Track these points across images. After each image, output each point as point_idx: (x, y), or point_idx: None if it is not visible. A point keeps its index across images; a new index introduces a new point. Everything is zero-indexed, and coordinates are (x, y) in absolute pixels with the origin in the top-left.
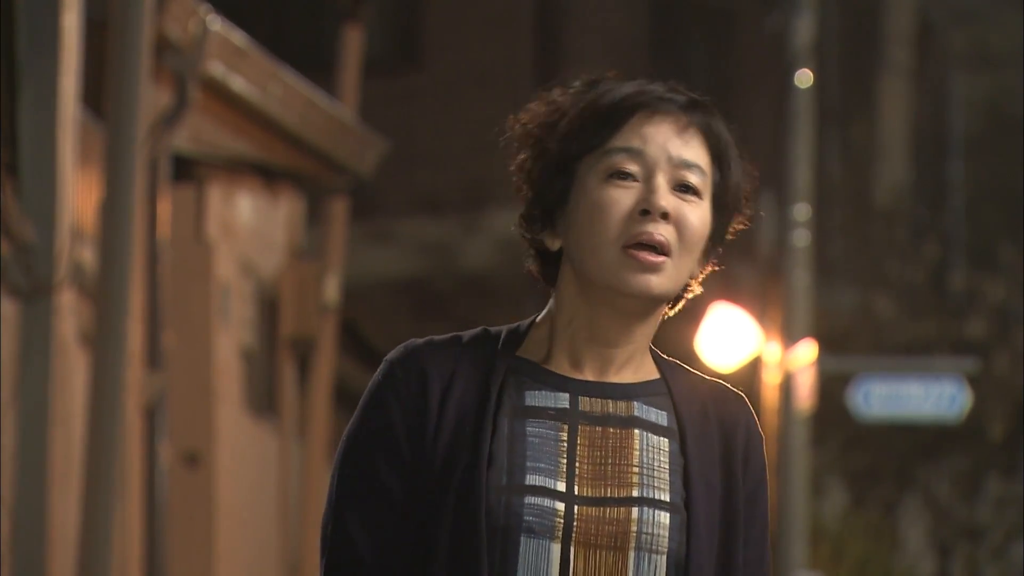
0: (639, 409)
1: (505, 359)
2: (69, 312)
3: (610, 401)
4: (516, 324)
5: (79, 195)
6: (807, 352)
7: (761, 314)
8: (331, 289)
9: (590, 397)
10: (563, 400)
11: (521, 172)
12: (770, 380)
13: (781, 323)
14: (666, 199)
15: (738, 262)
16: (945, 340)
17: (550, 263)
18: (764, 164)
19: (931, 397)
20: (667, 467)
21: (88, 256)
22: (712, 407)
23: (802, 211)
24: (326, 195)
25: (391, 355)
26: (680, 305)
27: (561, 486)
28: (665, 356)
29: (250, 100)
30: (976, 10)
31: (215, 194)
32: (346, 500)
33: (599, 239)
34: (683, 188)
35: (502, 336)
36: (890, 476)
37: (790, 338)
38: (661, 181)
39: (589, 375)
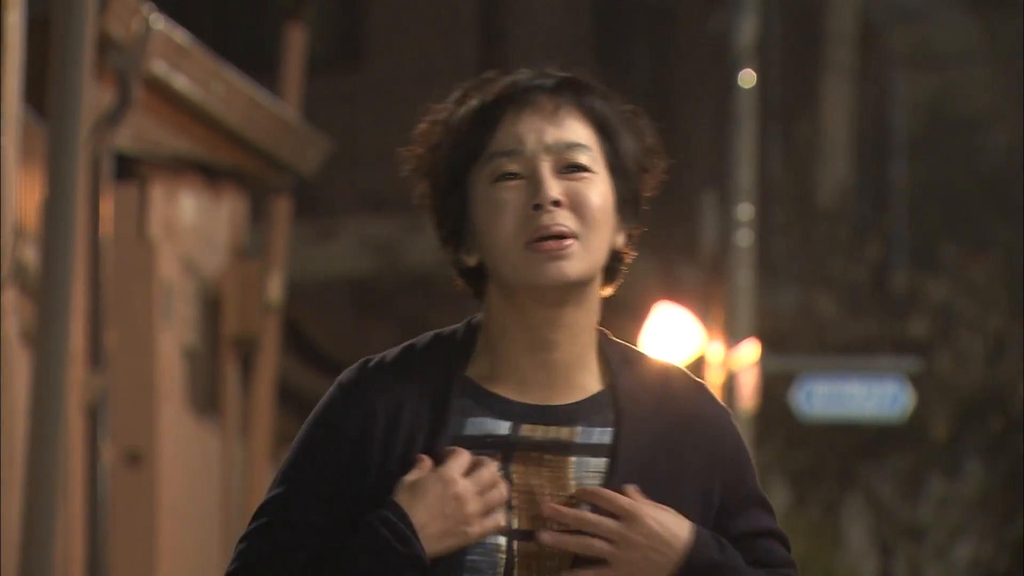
0: (582, 434)
1: (454, 380)
2: (11, 311)
3: (552, 427)
4: (463, 327)
5: (21, 194)
6: (750, 352)
7: (704, 314)
8: (274, 288)
9: (533, 423)
10: (503, 427)
11: (423, 199)
12: (713, 380)
13: (724, 323)
14: (553, 188)
15: (681, 262)
16: (887, 340)
17: (476, 278)
18: (707, 164)
19: (873, 397)
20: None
21: (30, 255)
22: (671, 403)
23: (745, 211)
24: (269, 194)
25: (343, 378)
26: (617, 280)
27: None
28: (618, 345)
29: (193, 99)
30: (918, 10)
31: (158, 193)
32: (272, 523)
33: (502, 243)
34: (571, 169)
35: (452, 346)
36: (832, 475)
37: (733, 337)
38: (545, 172)
39: (535, 395)
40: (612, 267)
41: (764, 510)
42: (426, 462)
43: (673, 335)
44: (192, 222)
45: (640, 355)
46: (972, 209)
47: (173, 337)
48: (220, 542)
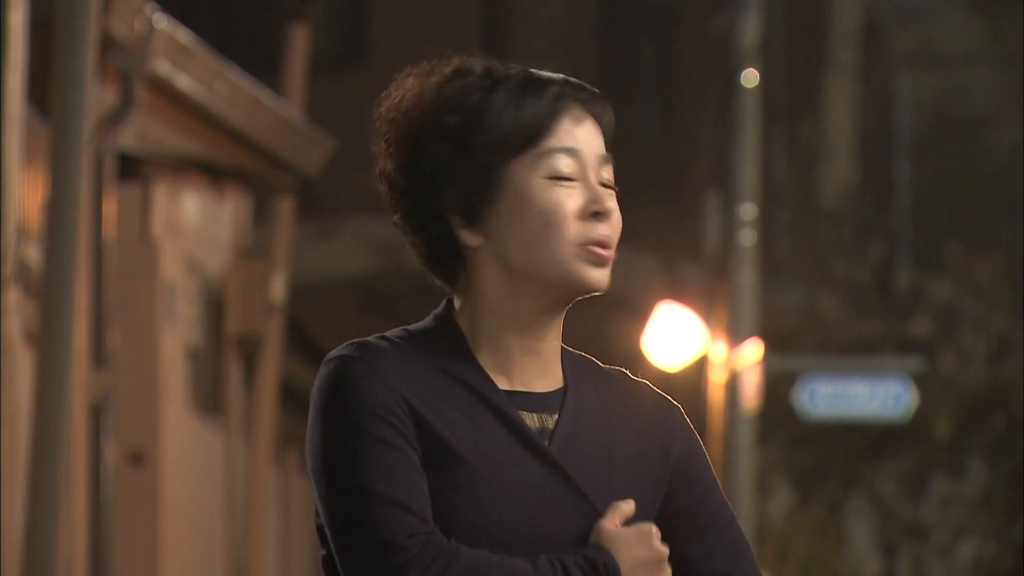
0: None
1: (469, 358)
2: (15, 311)
3: (536, 415)
4: (434, 320)
5: (24, 193)
6: (753, 351)
7: (707, 313)
8: (277, 288)
9: (521, 410)
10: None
11: (427, 167)
12: (716, 379)
13: (727, 322)
14: (609, 200)
15: (684, 261)
16: (890, 339)
17: (452, 260)
18: (710, 164)
19: (876, 396)
20: None
21: (33, 255)
22: (614, 397)
23: (748, 210)
24: (272, 193)
25: (348, 351)
26: None
27: None
28: (572, 353)
29: (196, 98)
30: (921, 9)
31: (161, 193)
32: (374, 478)
33: (554, 238)
34: (605, 185)
35: (444, 331)
36: (835, 475)
37: (736, 337)
38: (595, 181)
39: (517, 381)
40: None
41: (721, 496)
42: (623, 508)
43: (676, 335)
44: (195, 222)
45: (585, 356)
46: (976, 209)
47: (176, 337)
48: (223, 541)
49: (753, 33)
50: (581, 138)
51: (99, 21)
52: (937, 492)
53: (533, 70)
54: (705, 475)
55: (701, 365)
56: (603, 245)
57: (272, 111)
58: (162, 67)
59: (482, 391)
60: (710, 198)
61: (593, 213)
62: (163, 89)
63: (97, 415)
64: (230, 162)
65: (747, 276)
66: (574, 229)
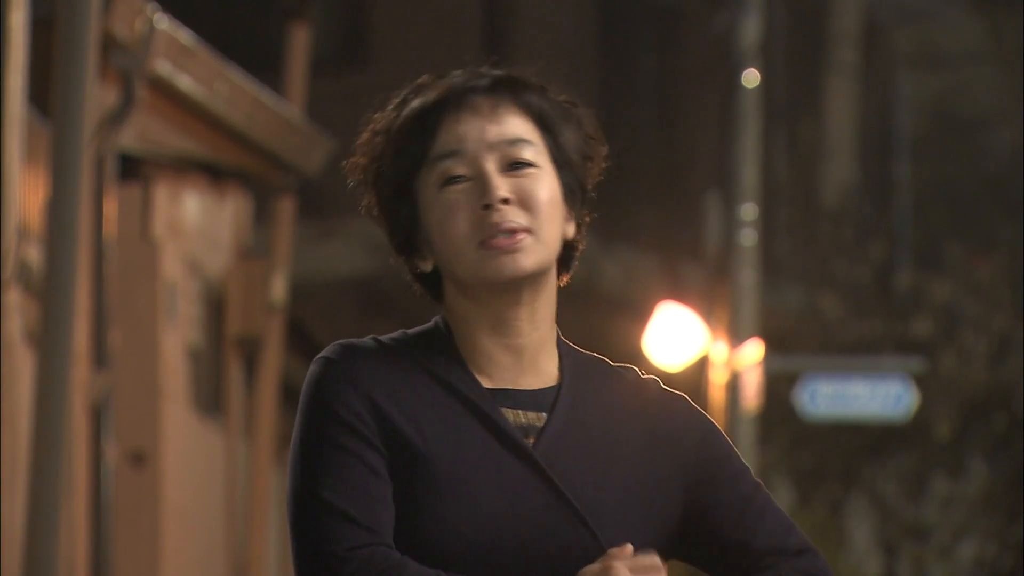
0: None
1: (458, 360)
2: (15, 311)
3: (520, 412)
4: (431, 325)
5: (25, 194)
6: (754, 351)
7: (708, 313)
8: (278, 288)
9: (503, 408)
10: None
11: (370, 212)
12: (717, 379)
13: (728, 322)
14: (500, 187)
15: (685, 261)
16: (891, 339)
17: (433, 282)
18: (711, 164)
19: (877, 396)
20: None
21: (34, 255)
22: (617, 395)
23: (749, 210)
24: (273, 194)
25: (329, 353)
26: (572, 269)
27: None
28: (570, 345)
29: (197, 99)
30: (922, 10)
31: (162, 193)
32: (326, 486)
33: (456, 245)
34: (516, 165)
35: (435, 337)
36: (836, 475)
37: (737, 337)
38: (490, 170)
39: (501, 379)
40: (566, 257)
41: (751, 479)
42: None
43: (677, 335)
44: (196, 222)
45: (593, 356)
46: (976, 209)
47: (177, 337)
48: (224, 541)
49: (754, 33)
50: (464, 133)
51: (100, 21)
52: (938, 492)
53: (429, 83)
54: (731, 461)
55: (702, 365)
56: (503, 232)
57: (272, 111)
58: (163, 67)
59: (461, 389)
60: (711, 198)
61: (482, 206)
62: (164, 89)
63: (98, 415)
64: (231, 162)
65: (748, 276)
66: (466, 228)
